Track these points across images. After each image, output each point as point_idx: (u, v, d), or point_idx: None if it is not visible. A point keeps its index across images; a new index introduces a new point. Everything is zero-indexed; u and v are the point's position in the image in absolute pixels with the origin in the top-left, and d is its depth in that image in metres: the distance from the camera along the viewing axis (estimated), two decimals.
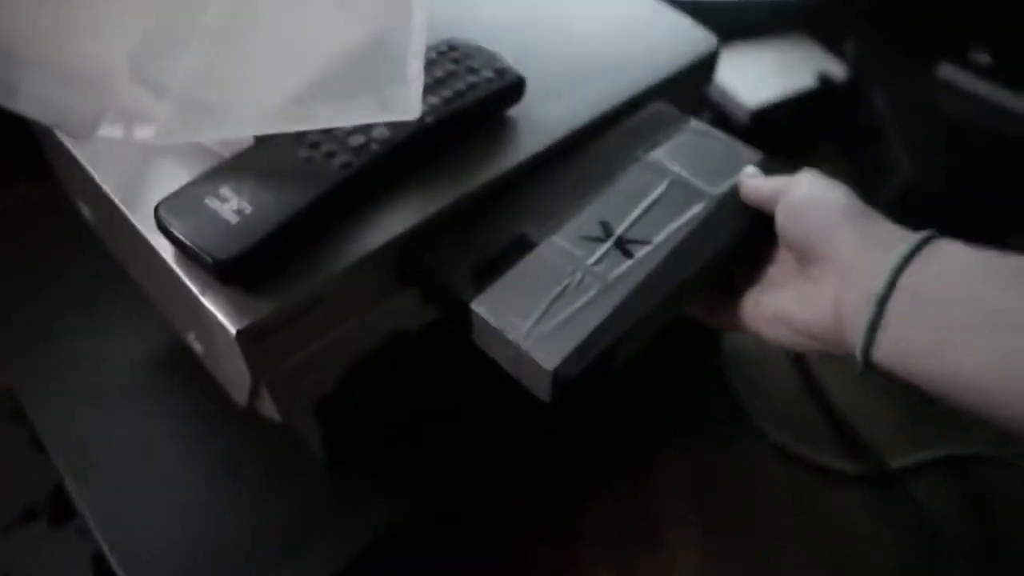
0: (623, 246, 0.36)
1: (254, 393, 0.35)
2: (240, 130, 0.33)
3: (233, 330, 0.31)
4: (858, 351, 0.31)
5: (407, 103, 0.31)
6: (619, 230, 0.37)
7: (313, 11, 0.34)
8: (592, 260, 0.35)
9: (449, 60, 0.38)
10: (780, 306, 0.36)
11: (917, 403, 0.48)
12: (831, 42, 0.81)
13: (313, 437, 0.43)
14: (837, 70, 0.78)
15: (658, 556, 0.51)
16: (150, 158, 0.36)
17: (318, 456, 0.45)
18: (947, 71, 0.75)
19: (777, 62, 0.78)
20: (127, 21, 0.34)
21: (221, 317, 0.31)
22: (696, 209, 0.38)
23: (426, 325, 0.40)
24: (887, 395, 0.60)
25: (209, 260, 0.30)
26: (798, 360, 0.62)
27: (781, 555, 0.52)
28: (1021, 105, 0.73)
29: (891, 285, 0.30)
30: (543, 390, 0.32)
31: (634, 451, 0.56)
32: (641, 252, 0.36)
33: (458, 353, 0.44)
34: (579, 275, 0.34)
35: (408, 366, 0.43)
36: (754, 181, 0.38)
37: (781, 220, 0.35)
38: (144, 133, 0.32)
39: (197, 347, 0.38)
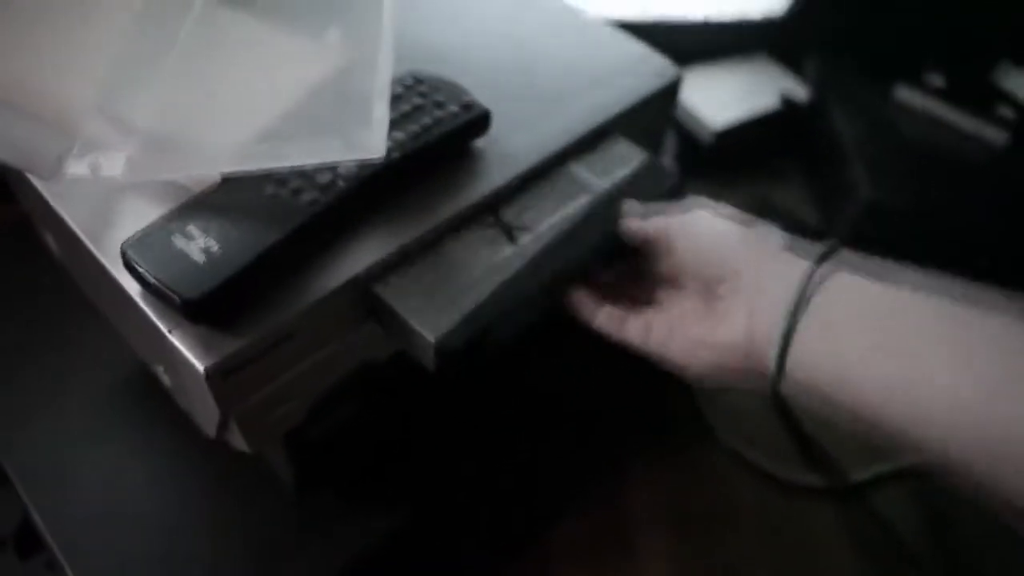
0: (509, 232, 0.39)
1: (223, 426, 0.36)
2: (206, 168, 0.33)
3: (201, 368, 0.31)
4: (772, 365, 0.33)
5: (372, 143, 0.32)
6: (506, 218, 0.40)
7: (279, 50, 0.34)
8: (481, 244, 0.38)
9: (416, 94, 0.39)
10: (696, 332, 0.37)
11: None
12: (793, 63, 0.83)
13: (282, 465, 0.44)
14: (799, 91, 0.80)
15: (630, 568, 0.52)
16: (116, 194, 0.36)
17: (287, 483, 0.45)
18: (903, 93, 0.78)
19: (740, 83, 0.80)
20: (93, 60, 0.34)
21: (189, 355, 0.31)
22: (581, 201, 0.41)
23: (394, 355, 0.41)
24: None
25: (177, 299, 0.31)
26: None
27: (751, 567, 0.53)
28: (974, 126, 0.76)
29: (800, 296, 0.32)
30: (428, 360, 0.35)
31: (605, 466, 0.56)
32: (525, 238, 0.39)
33: (426, 380, 0.45)
34: (468, 258, 0.38)
35: (377, 395, 0.43)
36: (636, 223, 0.40)
37: (685, 256, 0.37)
38: (111, 171, 0.32)
39: (165, 380, 0.38)
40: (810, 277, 0.33)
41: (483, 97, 0.40)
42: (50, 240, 0.44)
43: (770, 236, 0.37)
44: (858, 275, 0.33)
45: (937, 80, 0.77)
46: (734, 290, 0.35)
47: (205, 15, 0.37)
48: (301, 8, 0.39)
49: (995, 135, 0.75)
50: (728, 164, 0.77)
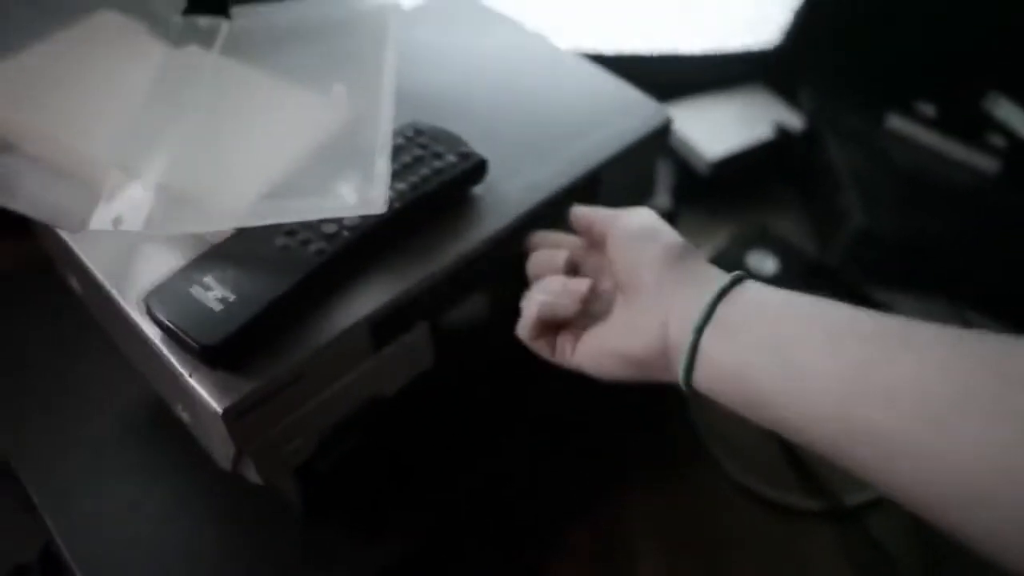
0: None
1: (238, 460, 0.38)
2: (221, 224, 0.36)
3: (219, 409, 0.33)
4: (680, 375, 0.35)
5: (375, 198, 0.34)
6: None
7: (288, 109, 0.37)
8: None
9: (416, 145, 0.41)
10: (608, 338, 0.38)
11: None
12: (788, 93, 0.85)
13: (292, 495, 0.46)
14: (793, 120, 0.82)
15: None
16: (137, 242, 0.39)
17: (297, 511, 0.47)
18: (896, 122, 0.80)
19: (736, 113, 0.82)
20: (115, 118, 0.37)
21: (206, 397, 0.34)
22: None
23: (401, 390, 0.43)
24: None
25: (195, 346, 0.33)
26: None
27: None
28: (966, 154, 0.77)
29: (708, 315, 0.34)
30: None
31: (603, 490, 0.58)
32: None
33: (432, 412, 0.47)
34: None
35: (384, 424, 0.46)
36: (583, 209, 0.42)
37: (612, 247, 0.38)
38: (133, 225, 0.35)
39: (184, 416, 0.40)
40: (717, 302, 0.34)
41: (480, 145, 0.43)
42: (72, 281, 0.47)
43: (694, 251, 0.38)
44: (762, 285, 0.35)
45: (929, 109, 0.79)
46: (653, 306, 0.36)
47: (218, 74, 0.40)
48: (309, 66, 0.41)
49: (986, 163, 0.76)
50: (724, 193, 0.79)
